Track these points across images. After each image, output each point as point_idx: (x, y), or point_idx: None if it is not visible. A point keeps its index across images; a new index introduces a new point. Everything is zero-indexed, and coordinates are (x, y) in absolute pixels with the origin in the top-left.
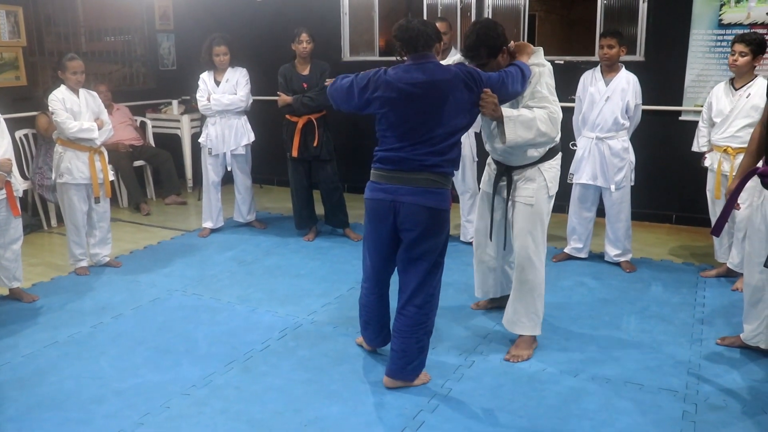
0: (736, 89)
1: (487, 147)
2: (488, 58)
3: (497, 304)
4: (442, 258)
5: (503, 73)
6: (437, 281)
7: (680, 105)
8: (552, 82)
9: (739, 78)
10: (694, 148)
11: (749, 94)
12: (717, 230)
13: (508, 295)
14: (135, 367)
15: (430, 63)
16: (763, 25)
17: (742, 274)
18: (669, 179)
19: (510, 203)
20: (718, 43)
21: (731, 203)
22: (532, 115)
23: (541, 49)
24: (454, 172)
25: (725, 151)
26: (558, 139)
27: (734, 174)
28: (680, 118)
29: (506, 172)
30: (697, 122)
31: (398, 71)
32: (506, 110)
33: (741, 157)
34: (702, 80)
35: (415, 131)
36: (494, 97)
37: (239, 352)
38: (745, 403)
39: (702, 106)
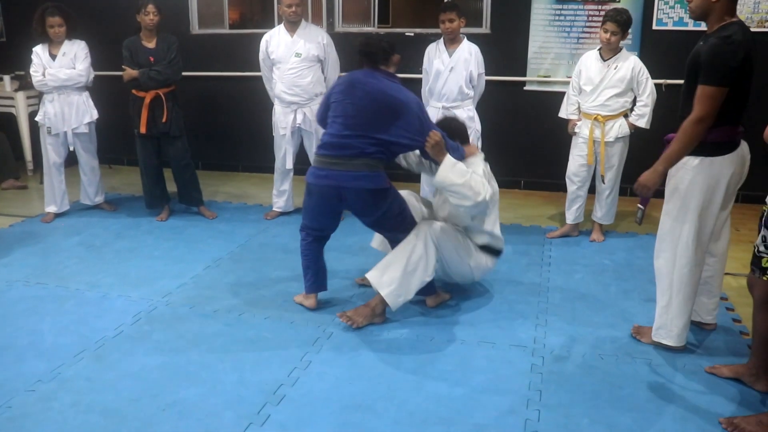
0: (604, 60)
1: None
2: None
3: None
4: (396, 204)
5: (445, 136)
6: (403, 219)
7: (524, 75)
8: (487, 172)
9: (608, 51)
10: (562, 114)
11: (617, 66)
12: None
13: None
14: None
15: (394, 82)
16: (594, 1)
17: (591, 230)
18: (517, 146)
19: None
20: (557, 17)
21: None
22: (469, 171)
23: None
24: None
25: (596, 118)
26: (503, 243)
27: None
28: (525, 88)
29: None
30: (539, 92)
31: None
32: (449, 157)
33: (611, 123)
34: (543, 52)
35: (363, 126)
36: (439, 138)
37: (90, 340)
38: (586, 351)
39: (544, 77)
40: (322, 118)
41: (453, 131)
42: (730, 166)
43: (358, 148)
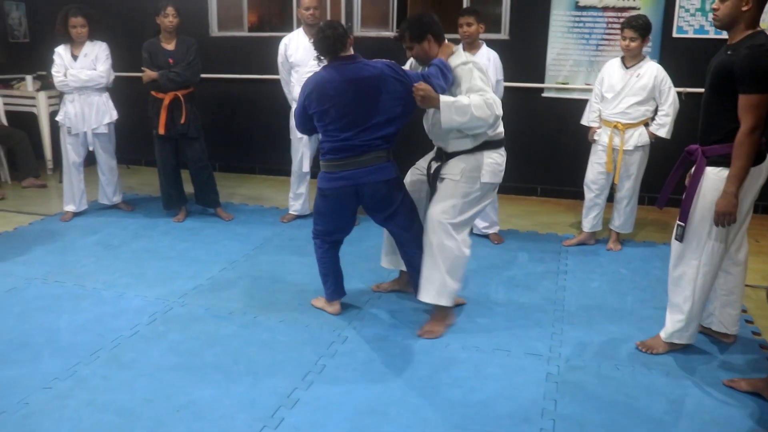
0: (627, 67)
1: (430, 135)
2: (411, 42)
3: (398, 287)
4: (408, 197)
5: (425, 72)
6: (413, 216)
7: (542, 82)
8: (482, 74)
9: (630, 58)
10: (584, 122)
11: (639, 74)
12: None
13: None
14: None
15: (358, 63)
16: (614, 8)
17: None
18: (534, 153)
19: (438, 180)
20: (576, 24)
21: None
22: (468, 102)
23: (460, 48)
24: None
25: (615, 126)
26: (501, 131)
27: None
28: (543, 94)
29: (444, 157)
30: (558, 99)
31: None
32: (444, 97)
33: (631, 131)
34: (562, 59)
35: (356, 121)
36: (424, 88)
37: (106, 339)
38: (601, 361)
39: (562, 84)
40: (305, 128)
41: (424, 30)
42: (760, 176)
43: (363, 145)
